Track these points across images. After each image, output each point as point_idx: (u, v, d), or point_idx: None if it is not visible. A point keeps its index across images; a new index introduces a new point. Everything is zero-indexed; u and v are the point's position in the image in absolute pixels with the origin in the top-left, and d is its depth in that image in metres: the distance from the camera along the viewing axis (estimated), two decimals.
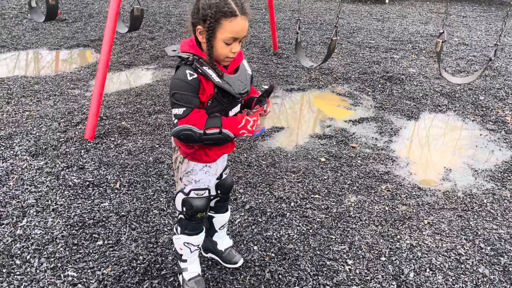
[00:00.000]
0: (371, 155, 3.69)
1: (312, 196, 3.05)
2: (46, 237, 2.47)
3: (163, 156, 3.44)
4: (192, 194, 1.97)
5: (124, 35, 6.99)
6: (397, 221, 2.82)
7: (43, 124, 3.84)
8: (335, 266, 2.39)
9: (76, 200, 2.83)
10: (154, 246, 2.47)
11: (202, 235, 2.11)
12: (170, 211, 2.79)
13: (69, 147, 3.48)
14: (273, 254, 2.45)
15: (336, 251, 2.51)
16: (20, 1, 9.13)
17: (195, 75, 1.70)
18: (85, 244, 2.45)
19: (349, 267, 2.39)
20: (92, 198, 2.87)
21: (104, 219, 2.66)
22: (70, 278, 2.20)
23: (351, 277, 2.32)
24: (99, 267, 2.28)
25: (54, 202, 2.79)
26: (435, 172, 3.52)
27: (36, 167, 3.16)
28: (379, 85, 5.36)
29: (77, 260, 2.32)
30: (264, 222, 2.73)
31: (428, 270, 2.40)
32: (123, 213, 2.73)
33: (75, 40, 6.64)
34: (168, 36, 7.19)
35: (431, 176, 3.46)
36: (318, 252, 2.48)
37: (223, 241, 2.36)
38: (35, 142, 3.51)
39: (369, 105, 4.80)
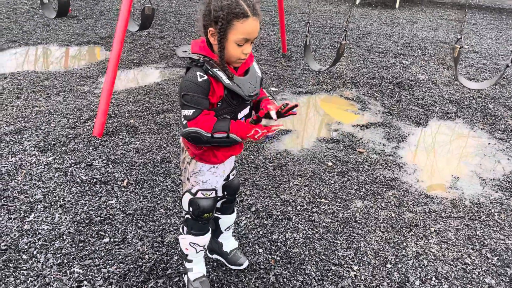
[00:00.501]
0: (378, 161, 3.68)
1: (318, 200, 3.04)
2: (53, 233, 2.48)
3: (170, 156, 3.44)
4: (199, 195, 1.98)
5: (134, 33, 7.02)
6: (403, 228, 2.80)
7: (52, 120, 3.86)
8: (340, 271, 2.38)
9: (83, 196, 2.84)
10: (160, 245, 2.47)
11: (208, 236, 2.11)
12: (177, 210, 2.79)
13: (77, 143, 3.50)
14: (278, 258, 2.45)
15: (341, 256, 2.50)
16: None
17: (205, 77, 1.70)
18: (92, 241, 2.46)
19: (355, 273, 2.38)
20: (99, 195, 2.88)
21: (110, 216, 2.67)
22: (76, 275, 2.20)
23: (356, 283, 2.31)
24: (105, 264, 2.29)
25: (62, 198, 2.81)
26: (443, 180, 3.50)
27: (44, 163, 3.18)
28: (388, 91, 5.34)
29: (83, 257, 2.33)
30: (269, 224, 2.73)
31: (434, 278, 2.39)
32: (129, 211, 2.73)
33: (85, 37, 6.68)
34: (177, 35, 7.21)
35: (438, 183, 3.44)
36: (324, 257, 2.48)
37: (228, 242, 2.36)
38: (44, 138, 3.53)
39: (377, 110, 4.78)
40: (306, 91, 5.20)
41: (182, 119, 1.74)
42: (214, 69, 1.70)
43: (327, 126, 4.36)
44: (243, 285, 2.24)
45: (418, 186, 3.34)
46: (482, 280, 2.40)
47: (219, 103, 1.77)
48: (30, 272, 2.20)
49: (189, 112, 1.71)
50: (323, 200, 3.05)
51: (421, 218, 2.93)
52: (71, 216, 2.64)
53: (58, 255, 2.32)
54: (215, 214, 2.24)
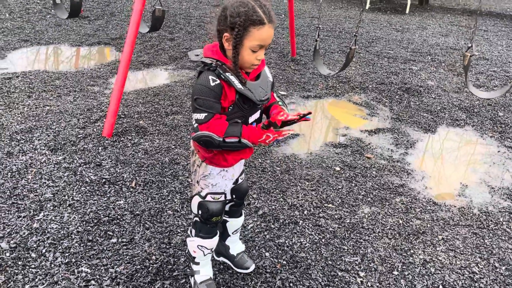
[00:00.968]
0: (386, 167, 3.66)
1: (325, 205, 3.04)
2: (62, 232, 2.51)
3: (178, 157, 3.46)
4: (208, 198, 1.99)
5: (144, 35, 7.07)
6: (410, 235, 2.79)
7: (62, 120, 3.90)
8: (346, 277, 2.38)
9: (92, 196, 2.87)
10: (167, 246, 2.49)
11: (216, 239, 2.12)
12: (184, 212, 2.80)
13: (87, 143, 3.53)
14: (284, 262, 2.45)
15: (348, 262, 2.50)
16: None
17: (218, 81, 1.72)
18: (100, 241, 2.48)
19: (361, 279, 2.38)
20: (108, 195, 2.90)
21: (119, 217, 2.69)
22: (83, 274, 2.22)
23: None
24: (113, 264, 2.31)
25: (71, 197, 2.83)
26: (451, 187, 3.48)
27: (54, 162, 3.21)
28: (397, 96, 5.33)
29: (91, 256, 2.35)
30: (276, 228, 2.73)
31: (441, 287, 2.37)
32: (137, 212, 2.75)
33: (96, 38, 6.74)
34: (187, 37, 7.25)
35: (446, 191, 3.43)
36: (330, 262, 2.48)
37: (235, 245, 2.36)
38: (54, 137, 3.56)
39: (386, 116, 4.77)
40: (315, 95, 5.21)
41: (194, 122, 1.76)
42: (227, 74, 1.72)
43: (335, 130, 4.36)
44: None
45: (426, 193, 3.33)
46: None
47: (231, 107, 1.78)
48: (38, 270, 2.23)
49: (201, 116, 1.73)
50: (330, 205, 3.05)
51: (428, 225, 2.92)
52: (79, 216, 2.66)
53: (67, 254, 2.35)
54: (224, 217, 2.24)
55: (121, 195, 2.92)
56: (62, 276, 2.20)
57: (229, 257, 2.36)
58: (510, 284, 2.44)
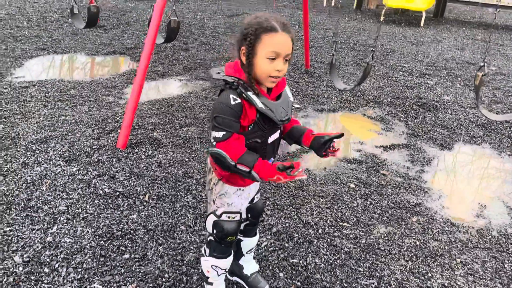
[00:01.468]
0: (402, 184, 3.60)
1: (340, 223, 2.99)
2: (75, 246, 2.49)
3: (192, 171, 3.44)
4: (223, 217, 1.96)
5: (159, 45, 7.11)
6: (428, 258, 2.72)
7: (77, 130, 3.92)
8: None
9: (105, 210, 2.86)
10: (180, 264, 2.45)
11: (230, 259, 2.09)
12: (197, 228, 2.78)
13: (101, 155, 3.53)
14: (299, 283, 2.40)
15: (364, 285, 2.44)
16: (61, 5, 9.45)
17: (239, 100, 1.70)
18: (112, 256, 2.45)
19: None
20: (121, 209, 2.89)
21: (132, 231, 2.67)
22: None
23: None
24: (125, 281, 2.28)
25: (85, 210, 2.82)
26: (468, 207, 3.40)
27: (69, 173, 3.21)
28: (412, 111, 5.26)
29: (104, 272, 2.33)
30: (290, 248, 2.69)
31: None
32: (150, 227, 2.73)
33: (112, 47, 6.80)
34: (202, 48, 7.28)
35: (464, 211, 3.35)
36: (346, 285, 2.42)
37: (249, 265, 2.32)
38: (69, 148, 3.57)
39: (401, 131, 4.71)
40: (329, 109, 5.17)
41: (212, 140, 1.75)
42: (248, 93, 1.70)
43: (350, 145, 4.31)
44: None
45: (443, 213, 3.25)
46: None
47: (251, 126, 1.76)
48: (51, 286, 2.21)
49: (219, 134, 1.71)
50: (345, 224, 2.99)
51: (446, 247, 2.85)
52: (93, 230, 2.65)
53: (79, 270, 2.33)
54: (238, 236, 2.21)
55: (134, 208, 2.91)
56: None
57: (243, 277, 2.32)
58: None
